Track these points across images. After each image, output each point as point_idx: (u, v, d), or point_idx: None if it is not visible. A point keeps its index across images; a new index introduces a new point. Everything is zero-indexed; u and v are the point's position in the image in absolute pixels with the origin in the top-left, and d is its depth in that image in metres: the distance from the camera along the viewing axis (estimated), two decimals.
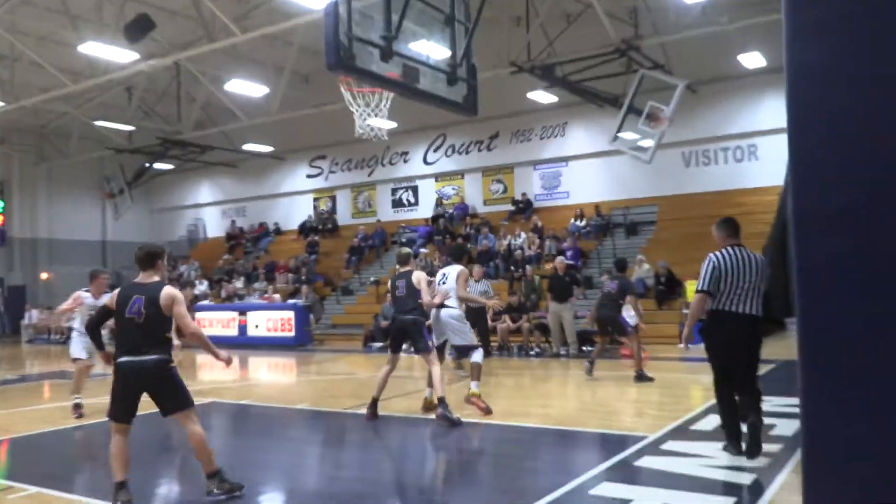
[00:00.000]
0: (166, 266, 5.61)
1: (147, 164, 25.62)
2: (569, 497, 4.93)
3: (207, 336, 5.43)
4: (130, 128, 24.61)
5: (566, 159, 22.32)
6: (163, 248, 5.49)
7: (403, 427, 7.90)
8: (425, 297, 7.95)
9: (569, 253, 18.00)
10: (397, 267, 9.08)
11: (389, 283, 8.66)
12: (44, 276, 28.80)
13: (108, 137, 25.92)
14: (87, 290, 9.01)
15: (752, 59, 17.77)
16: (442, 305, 7.99)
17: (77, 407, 8.92)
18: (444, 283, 8.13)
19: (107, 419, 5.12)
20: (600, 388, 10.01)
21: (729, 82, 19.67)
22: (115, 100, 24.80)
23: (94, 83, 18.84)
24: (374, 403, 8.03)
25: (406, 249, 9.06)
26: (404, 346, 8.58)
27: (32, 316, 24.99)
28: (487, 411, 7.82)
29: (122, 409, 5.06)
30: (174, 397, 5.17)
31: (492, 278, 17.14)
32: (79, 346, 9.17)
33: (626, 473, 5.44)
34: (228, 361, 5.71)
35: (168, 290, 5.04)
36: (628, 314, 11.35)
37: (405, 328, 8.09)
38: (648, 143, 16.94)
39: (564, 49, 17.52)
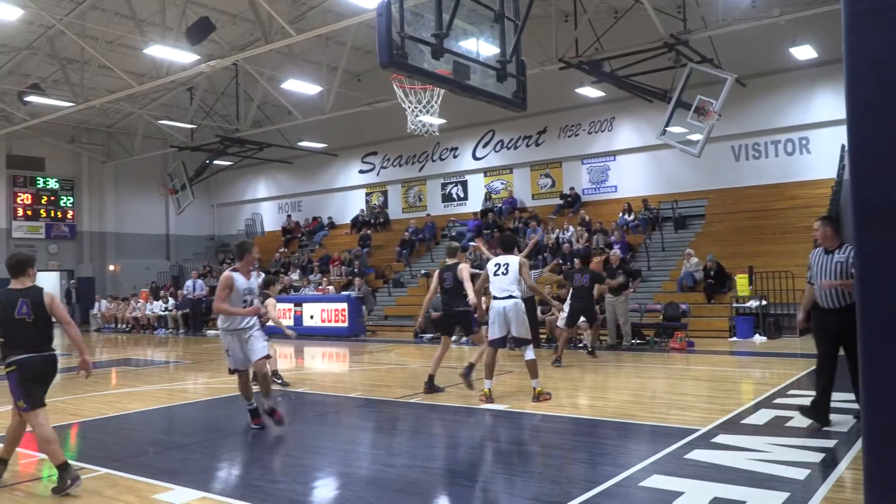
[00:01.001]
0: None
1: (207, 161, 26.15)
2: (618, 488, 4.87)
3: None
4: (192, 126, 25.17)
5: (614, 154, 22.02)
6: (32, 257, 5.80)
7: (454, 416, 7.90)
8: (469, 292, 8.31)
9: (616, 246, 17.76)
10: (446, 259, 9.18)
11: (436, 275, 9.05)
12: (111, 268, 29.70)
13: (171, 136, 26.58)
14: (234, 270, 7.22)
15: (804, 52, 17.25)
16: (508, 297, 8.15)
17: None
18: (504, 273, 8.18)
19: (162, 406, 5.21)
20: (650, 381, 9.86)
21: (779, 75, 19.14)
22: (177, 100, 25.43)
23: (157, 84, 19.30)
24: (430, 380, 8.94)
25: (455, 243, 9.21)
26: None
27: (101, 306, 25.80)
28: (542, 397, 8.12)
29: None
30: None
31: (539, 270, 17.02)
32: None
33: (677, 466, 5.34)
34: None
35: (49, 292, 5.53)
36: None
37: (456, 317, 8.87)
38: (697, 136, 16.58)
39: (612, 44, 17.26)
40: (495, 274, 8.23)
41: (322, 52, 21.34)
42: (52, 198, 28.73)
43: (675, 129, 16.88)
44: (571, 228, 19.93)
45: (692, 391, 8.94)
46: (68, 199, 29.17)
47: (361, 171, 27.73)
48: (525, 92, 7.28)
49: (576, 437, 6.82)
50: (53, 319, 5.46)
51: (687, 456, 5.58)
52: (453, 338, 9.42)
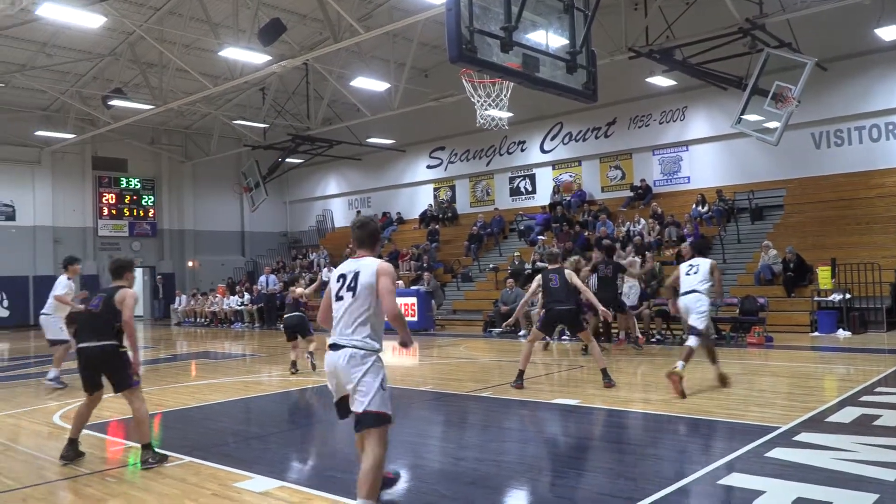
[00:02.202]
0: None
1: (280, 160, 26.76)
2: (696, 486, 4.76)
3: None
4: (265, 125, 25.80)
5: (686, 144, 21.47)
6: (131, 261, 6.55)
7: (524, 411, 7.88)
8: (588, 294, 9.38)
9: (689, 239, 17.32)
10: (545, 264, 9.96)
11: (539, 278, 9.41)
12: (190, 264, 30.77)
13: (245, 135, 27.32)
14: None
15: (890, 33, 16.39)
16: (690, 291, 8.65)
17: None
18: (694, 273, 8.71)
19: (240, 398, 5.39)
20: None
21: (863, 58, 18.27)
22: (250, 100, 26.09)
23: (232, 85, 19.85)
24: (520, 375, 9.01)
25: (555, 250, 9.66)
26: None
27: (181, 301, 26.76)
28: (682, 394, 7.94)
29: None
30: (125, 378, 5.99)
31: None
32: None
33: (757, 464, 5.18)
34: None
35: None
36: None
37: (562, 317, 9.22)
38: (775, 124, 15.98)
39: (684, 31, 16.81)
40: (686, 274, 8.79)
41: (389, 49, 21.53)
42: (135, 197, 29.95)
43: (751, 117, 16.32)
44: (642, 221, 19.56)
45: (771, 387, 8.65)
46: (149, 198, 30.35)
47: (429, 167, 27.87)
48: (595, 83, 7.18)
49: (649, 432, 6.69)
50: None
51: (768, 454, 5.40)
52: (519, 334, 9.40)
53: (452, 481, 5.19)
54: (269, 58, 17.34)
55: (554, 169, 24.41)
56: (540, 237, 21.10)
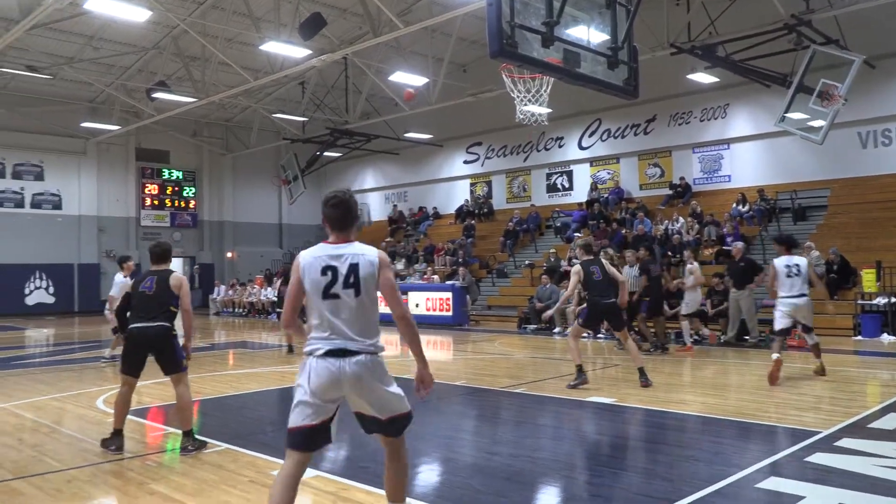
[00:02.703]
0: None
1: (318, 153, 26.99)
2: (733, 489, 4.69)
3: None
4: (304, 119, 26.04)
5: (728, 142, 21.11)
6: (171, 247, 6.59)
7: (559, 408, 7.84)
8: (624, 287, 9.26)
9: (729, 238, 17.07)
10: (577, 253, 9.44)
11: (579, 270, 8.99)
12: (229, 255, 31.22)
13: (284, 128, 27.61)
14: None
15: None
16: (801, 295, 8.85)
17: None
18: (797, 273, 8.81)
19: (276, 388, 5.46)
20: (765, 379, 9.42)
21: None
22: (290, 94, 26.34)
23: (272, 79, 20.06)
24: (579, 369, 8.83)
25: (589, 238, 9.47)
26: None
27: (220, 291, 27.18)
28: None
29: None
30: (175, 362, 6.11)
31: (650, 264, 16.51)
32: None
33: (797, 469, 5.09)
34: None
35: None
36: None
37: (606, 311, 8.95)
38: (820, 122, 15.63)
39: (727, 27, 16.51)
40: (788, 275, 8.82)
41: (428, 44, 21.54)
42: (176, 188, 30.48)
43: (795, 116, 15.98)
44: (681, 219, 19.30)
45: (812, 391, 8.48)
46: (191, 190, 30.86)
47: (466, 162, 27.86)
48: (637, 79, 7.11)
49: (686, 433, 6.61)
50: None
51: (808, 459, 5.30)
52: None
53: (486, 476, 5.19)
54: (309, 52, 17.48)
55: (591, 166, 24.21)
56: (576, 234, 20.95)
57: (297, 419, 3.58)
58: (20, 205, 26.22)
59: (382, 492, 4.74)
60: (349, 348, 3.56)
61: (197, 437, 6.04)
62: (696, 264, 13.22)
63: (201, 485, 5.00)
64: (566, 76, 6.32)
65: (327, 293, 3.58)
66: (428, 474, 5.52)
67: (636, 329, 13.82)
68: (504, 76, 9.68)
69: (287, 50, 17.39)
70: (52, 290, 26.53)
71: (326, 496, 4.71)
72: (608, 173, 23.75)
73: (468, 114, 24.58)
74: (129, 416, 7.20)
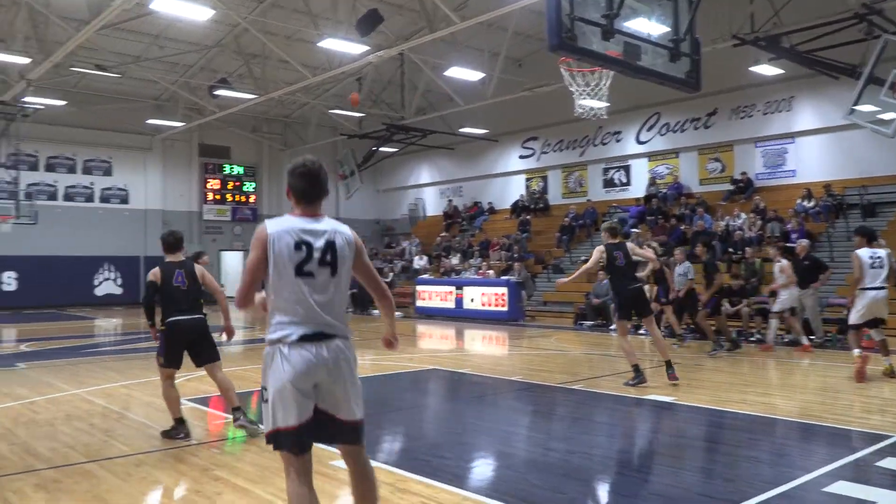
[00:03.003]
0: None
1: (374, 148, 27.22)
2: (799, 492, 4.56)
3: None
4: (360, 115, 26.29)
5: (792, 136, 20.46)
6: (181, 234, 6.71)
7: (617, 406, 7.76)
8: (653, 266, 9.73)
9: (794, 235, 16.56)
10: (602, 236, 9.01)
11: (600, 252, 8.65)
12: None
13: (341, 124, 27.93)
14: None
15: None
16: (882, 287, 8.73)
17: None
18: (879, 266, 8.75)
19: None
20: (833, 380, 9.14)
21: None
22: (347, 90, 26.60)
23: (330, 75, 20.30)
24: (668, 365, 8.59)
25: (615, 222, 9.16)
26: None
27: None
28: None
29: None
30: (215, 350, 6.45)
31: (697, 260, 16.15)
32: None
33: (866, 473, 4.93)
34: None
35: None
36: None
37: (633, 297, 8.68)
38: (891, 115, 15.00)
39: (793, 17, 15.98)
40: (872, 266, 8.72)
41: (484, 39, 21.49)
42: (237, 183, 31.16)
43: (865, 108, 15.37)
44: (743, 215, 18.81)
45: (882, 394, 8.18)
46: (251, 185, 31.52)
47: (521, 157, 27.71)
48: (699, 72, 6.96)
49: (749, 434, 6.46)
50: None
51: (878, 463, 5.13)
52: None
53: (543, 472, 5.18)
54: (366, 48, 17.63)
55: (650, 161, 23.79)
56: (634, 230, 20.64)
57: (287, 417, 3.12)
58: (90, 199, 27.21)
59: (440, 484, 4.79)
60: (325, 332, 3.19)
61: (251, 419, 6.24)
62: (785, 261, 12.63)
63: (263, 472, 5.13)
64: (626, 69, 6.23)
65: (301, 270, 3.17)
66: (484, 468, 5.54)
67: (694, 325, 13.56)
68: (562, 70, 9.59)
69: (344, 46, 17.57)
70: (119, 281, 27.48)
71: (384, 487, 4.76)
72: (667, 168, 23.31)
73: (524, 108, 24.43)
74: (192, 405, 7.42)
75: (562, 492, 4.69)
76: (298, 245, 3.19)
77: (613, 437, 6.52)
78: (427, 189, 32.26)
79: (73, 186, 26.82)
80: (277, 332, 3.16)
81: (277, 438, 3.15)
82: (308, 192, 3.33)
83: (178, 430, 6.20)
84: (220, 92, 22.35)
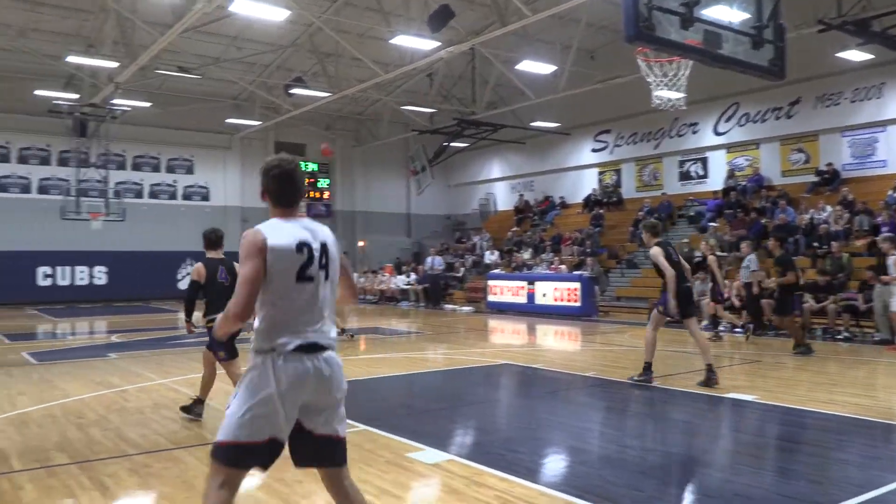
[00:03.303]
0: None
1: (445, 144, 27.31)
2: (894, 497, 4.36)
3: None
4: (431, 111, 26.43)
5: (884, 124, 19.46)
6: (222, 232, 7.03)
7: (694, 404, 7.58)
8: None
9: (884, 228, 15.77)
10: (647, 238, 8.87)
11: (661, 250, 8.47)
12: (360, 243, 32.29)
13: (413, 120, 28.14)
14: None
15: None
16: None
17: None
18: None
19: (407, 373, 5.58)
20: None
21: None
22: (418, 86, 26.80)
23: (401, 72, 20.48)
24: (709, 368, 8.27)
25: (656, 220, 9.08)
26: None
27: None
28: None
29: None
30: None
31: (793, 255, 15.52)
32: None
33: None
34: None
35: None
36: None
37: (683, 295, 8.46)
38: None
39: (883, 0, 15.20)
40: None
41: (556, 31, 21.26)
42: (312, 180, 31.82)
43: None
44: (829, 208, 18.03)
45: None
46: (325, 181, 32.15)
47: (594, 150, 27.31)
48: (783, 59, 6.71)
49: (836, 435, 6.21)
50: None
51: None
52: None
53: (619, 468, 5.11)
54: (437, 44, 17.71)
55: (728, 152, 23.06)
56: (711, 224, 20.08)
57: (259, 432, 2.88)
58: (173, 196, 28.31)
59: (515, 478, 4.79)
60: (320, 342, 3.00)
61: None
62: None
63: None
64: (706, 58, 6.05)
65: (302, 275, 2.98)
66: (559, 463, 5.51)
67: (770, 322, 13.05)
68: (639, 61, 9.38)
69: (416, 43, 17.70)
70: None
71: (460, 480, 4.80)
72: (746, 160, 22.55)
73: (596, 101, 24.07)
74: None
75: (639, 489, 4.62)
76: (300, 248, 3.00)
77: (691, 436, 6.37)
78: (498, 184, 32.18)
79: (157, 184, 27.95)
80: (271, 341, 2.94)
81: (233, 452, 2.89)
82: (289, 193, 3.14)
83: (196, 408, 6.78)
84: (296, 91, 22.85)
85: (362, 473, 4.94)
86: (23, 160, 25.22)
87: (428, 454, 5.41)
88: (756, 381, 8.76)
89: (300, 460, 3.09)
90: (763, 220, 18.98)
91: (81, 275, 26.02)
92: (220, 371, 6.86)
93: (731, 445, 6.12)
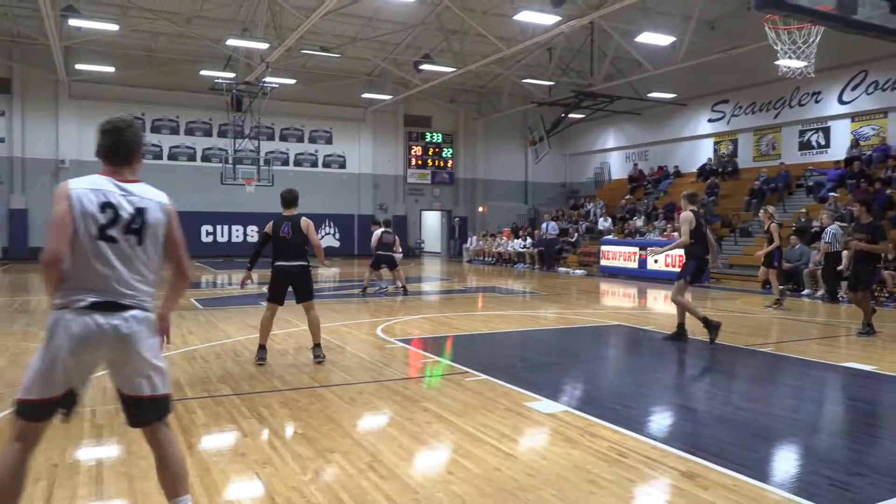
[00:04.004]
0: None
1: (563, 115, 26.71)
2: None
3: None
4: (550, 83, 25.88)
5: None
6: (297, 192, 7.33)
7: (810, 371, 7.13)
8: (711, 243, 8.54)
9: None
10: (685, 205, 8.66)
11: (692, 217, 8.38)
12: (480, 209, 32.39)
13: (532, 93, 27.69)
14: None
15: None
16: None
17: None
18: None
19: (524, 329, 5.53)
20: None
21: None
22: (537, 60, 26.27)
23: (522, 47, 20.12)
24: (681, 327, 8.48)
25: (695, 190, 8.76)
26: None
27: (472, 241, 28.39)
28: None
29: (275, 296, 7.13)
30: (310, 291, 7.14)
31: None
32: None
33: None
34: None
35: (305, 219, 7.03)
36: None
37: (707, 266, 8.64)
38: None
39: None
40: None
41: (675, 2, 20.14)
42: (437, 150, 32.13)
43: None
44: None
45: None
46: (448, 151, 32.35)
47: (710, 120, 25.86)
48: None
49: None
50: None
51: None
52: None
53: (732, 429, 4.91)
54: (558, 18, 17.24)
55: (853, 121, 21.20)
56: (832, 194, 18.63)
57: (37, 388, 2.74)
58: (315, 164, 29.44)
59: (627, 431, 4.70)
60: (120, 302, 2.80)
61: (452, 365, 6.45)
62: None
63: (465, 407, 5.33)
64: (839, 24, 5.51)
65: (103, 234, 2.80)
66: (670, 421, 5.35)
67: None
68: (767, 28, 8.69)
69: (538, 18, 17.30)
70: (337, 235, 29.61)
71: (575, 430, 4.77)
72: (873, 129, 20.64)
73: (714, 71, 22.71)
74: (400, 345, 7.86)
75: (753, 450, 4.42)
76: (104, 207, 2.80)
77: (805, 401, 6.01)
78: (612, 153, 31.24)
79: (301, 153, 29.12)
80: (65, 297, 2.76)
81: (28, 408, 2.76)
82: (112, 150, 2.92)
83: (259, 354, 6.99)
84: (424, 66, 22.99)
85: (483, 418, 5.01)
86: (189, 132, 26.97)
87: (544, 404, 5.41)
88: (878, 351, 8.12)
89: (128, 419, 2.95)
90: (888, 191, 17.42)
91: (237, 233, 27.69)
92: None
93: (846, 413, 5.72)
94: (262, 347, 7.07)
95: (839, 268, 13.06)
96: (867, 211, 9.53)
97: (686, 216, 8.38)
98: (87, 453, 4.23)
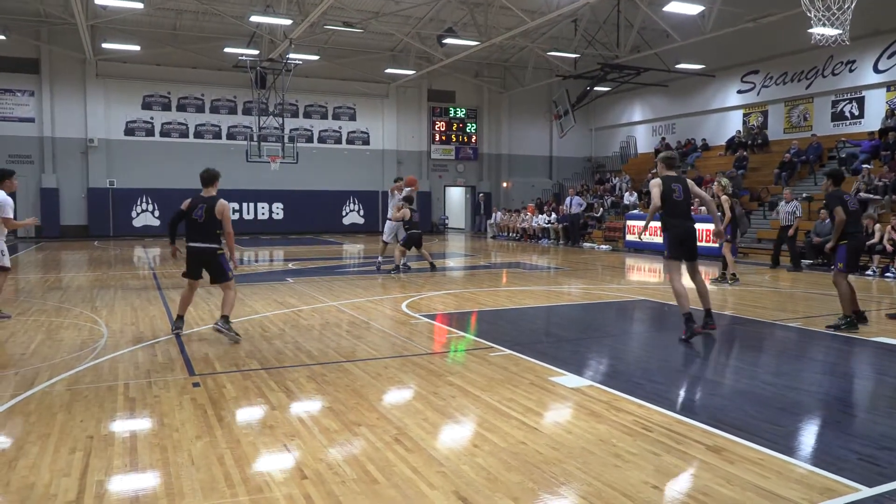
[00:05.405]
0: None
1: (588, 88, 26.35)
2: None
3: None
4: (575, 56, 25.50)
5: None
6: (218, 173, 7.31)
7: (840, 345, 7.04)
8: (710, 206, 7.88)
9: None
10: (661, 169, 7.48)
11: (660, 182, 7.24)
12: (504, 184, 32.23)
13: (557, 66, 27.31)
14: None
15: None
16: None
17: None
18: None
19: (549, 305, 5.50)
20: None
21: None
22: (562, 32, 25.90)
23: (547, 19, 19.82)
24: (708, 313, 7.52)
25: (672, 153, 7.72)
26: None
27: (497, 217, 28.30)
28: None
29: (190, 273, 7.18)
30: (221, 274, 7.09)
31: None
32: None
33: None
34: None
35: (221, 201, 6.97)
36: None
37: (687, 236, 7.41)
38: None
39: None
40: None
41: None
42: (461, 125, 31.94)
43: None
44: None
45: None
46: (472, 126, 32.15)
47: (740, 91, 25.33)
48: None
49: None
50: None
51: None
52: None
53: (757, 404, 4.88)
54: None
55: (889, 91, 20.61)
56: (865, 166, 18.20)
57: None
58: (338, 141, 29.47)
59: (653, 405, 4.70)
60: None
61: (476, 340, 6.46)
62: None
63: (490, 382, 5.37)
64: None
65: None
66: (696, 395, 5.34)
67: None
68: None
69: None
70: (362, 212, 29.72)
71: (600, 404, 4.79)
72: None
73: (744, 41, 22.18)
74: (425, 320, 7.90)
75: (779, 424, 4.40)
76: None
77: (834, 377, 5.94)
78: (639, 127, 30.79)
79: (325, 130, 29.14)
80: None
81: None
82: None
83: (176, 324, 7.24)
84: (448, 41, 22.77)
85: (508, 392, 5.04)
86: (214, 110, 27.11)
87: (569, 379, 5.43)
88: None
89: None
90: None
91: (262, 210, 27.91)
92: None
93: (876, 388, 5.65)
94: (179, 318, 7.35)
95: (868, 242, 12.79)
96: (834, 183, 8.10)
97: (654, 182, 7.40)
98: (121, 425, 4.35)
